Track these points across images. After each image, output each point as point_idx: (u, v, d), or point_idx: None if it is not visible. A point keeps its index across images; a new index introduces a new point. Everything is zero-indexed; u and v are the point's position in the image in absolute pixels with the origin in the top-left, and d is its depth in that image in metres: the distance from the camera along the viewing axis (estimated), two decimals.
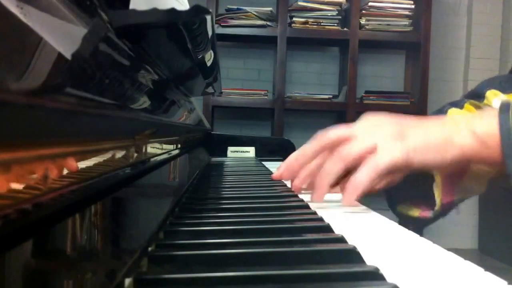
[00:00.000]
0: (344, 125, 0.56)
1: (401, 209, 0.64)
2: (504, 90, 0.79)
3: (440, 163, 0.50)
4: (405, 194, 0.64)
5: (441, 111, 0.83)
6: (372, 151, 0.50)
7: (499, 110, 0.49)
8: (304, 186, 0.60)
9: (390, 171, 0.50)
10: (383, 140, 0.50)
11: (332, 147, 0.54)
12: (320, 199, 0.53)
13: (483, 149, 0.49)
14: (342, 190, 0.52)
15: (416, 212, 0.63)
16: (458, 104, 0.83)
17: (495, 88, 0.80)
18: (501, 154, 0.48)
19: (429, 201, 0.61)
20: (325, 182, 0.52)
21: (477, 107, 0.81)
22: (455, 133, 0.50)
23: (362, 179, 0.49)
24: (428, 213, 0.61)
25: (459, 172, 0.58)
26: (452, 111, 0.82)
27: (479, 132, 0.49)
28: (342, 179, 0.55)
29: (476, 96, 0.82)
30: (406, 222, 0.62)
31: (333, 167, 0.52)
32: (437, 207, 0.60)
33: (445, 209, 0.62)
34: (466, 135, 0.50)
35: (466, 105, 0.82)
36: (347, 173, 0.53)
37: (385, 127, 0.52)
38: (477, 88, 0.83)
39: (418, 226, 0.56)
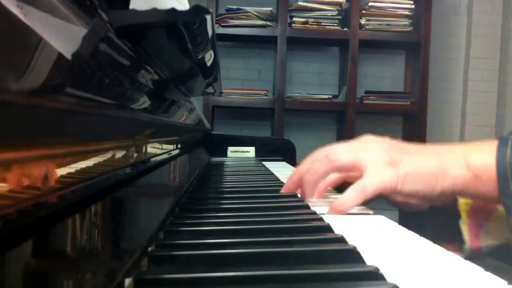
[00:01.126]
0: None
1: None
2: None
3: (430, 193, 0.50)
4: (436, 231, 0.62)
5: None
6: (360, 167, 0.51)
7: (498, 144, 0.48)
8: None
9: (378, 194, 0.50)
10: (375, 163, 0.50)
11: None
12: (307, 196, 0.54)
13: (476, 183, 0.48)
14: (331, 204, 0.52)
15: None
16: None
17: None
18: (497, 190, 0.46)
19: (457, 240, 0.58)
20: (311, 179, 0.54)
21: None
22: (450, 164, 0.49)
23: (348, 199, 0.49)
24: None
25: (484, 214, 0.56)
26: None
27: (474, 164, 0.48)
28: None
29: None
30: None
31: (320, 167, 0.53)
32: (466, 247, 0.56)
33: (474, 255, 0.58)
34: (460, 166, 0.49)
35: None
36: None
37: (379, 151, 0.52)
38: None
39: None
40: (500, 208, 0.53)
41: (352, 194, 0.49)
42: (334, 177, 0.63)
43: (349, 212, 0.50)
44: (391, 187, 0.49)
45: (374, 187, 0.49)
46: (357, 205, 0.50)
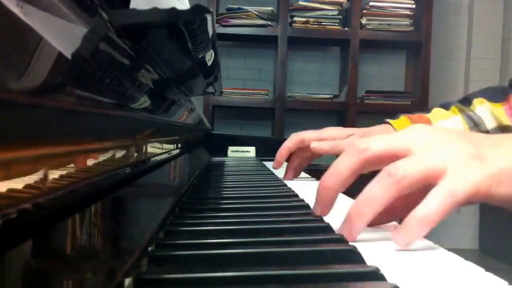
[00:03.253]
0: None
1: None
2: (492, 100, 0.81)
3: None
4: None
5: (428, 109, 0.86)
6: (439, 175, 0.35)
7: None
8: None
9: (467, 203, 0.36)
10: (456, 160, 0.35)
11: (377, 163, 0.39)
12: (325, 212, 0.41)
13: None
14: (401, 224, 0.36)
15: None
16: (446, 106, 0.86)
17: (486, 97, 0.81)
18: None
19: None
20: (368, 212, 0.36)
21: (461, 111, 0.83)
22: None
23: (435, 211, 0.33)
24: None
25: None
26: (436, 110, 0.84)
27: None
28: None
29: (466, 101, 0.84)
30: None
31: (382, 193, 0.36)
32: None
33: None
34: None
35: (453, 107, 0.84)
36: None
37: (454, 143, 0.37)
38: (469, 94, 0.85)
39: None
40: None
41: (439, 202, 0.34)
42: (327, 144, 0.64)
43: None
44: (485, 190, 0.35)
45: (466, 192, 0.34)
46: (444, 218, 0.34)
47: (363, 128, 0.83)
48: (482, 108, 0.81)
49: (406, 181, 0.35)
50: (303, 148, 0.83)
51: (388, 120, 0.84)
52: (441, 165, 0.35)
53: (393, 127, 0.82)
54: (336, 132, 0.80)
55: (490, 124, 0.80)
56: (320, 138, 0.79)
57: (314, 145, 0.78)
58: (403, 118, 0.83)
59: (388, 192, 0.36)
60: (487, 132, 0.79)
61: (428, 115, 0.84)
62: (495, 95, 0.82)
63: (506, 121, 0.79)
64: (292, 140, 0.84)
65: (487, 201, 0.36)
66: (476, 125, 0.81)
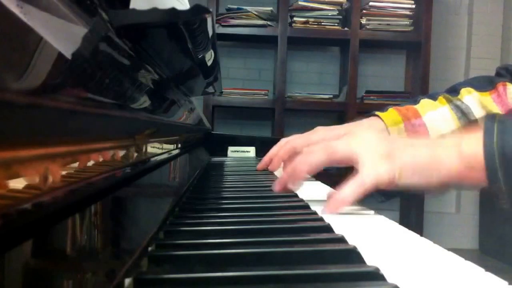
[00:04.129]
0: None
1: None
2: (480, 89, 0.81)
3: (426, 185, 0.50)
4: None
5: (416, 101, 0.85)
6: (356, 160, 0.52)
7: (484, 132, 0.48)
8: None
9: (375, 189, 0.51)
10: (371, 156, 0.51)
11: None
12: (295, 184, 0.56)
13: (470, 172, 0.48)
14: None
15: None
16: (433, 96, 0.85)
17: (472, 86, 0.81)
18: (487, 178, 0.47)
19: None
20: (304, 169, 0.55)
21: (449, 101, 0.82)
22: (443, 156, 0.50)
23: (348, 194, 0.49)
24: None
25: None
26: (424, 101, 0.84)
27: (466, 153, 0.49)
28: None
29: (453, 91, 0.84)
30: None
31: (316, 159, 0.54)
32: None
33: None
34: (454, 157, 0.49)
35: (440, 97, 0.84)
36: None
37: (375, 144, 0.52)
38: (456, 84, 0.85)
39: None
40: None
41: (352, 189, 0.50)
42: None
43: (349, 212, 0.50)
44: (388, 180, 0.50)
45: (372, 181, 0.49)
46: (356, 200, 0.50)
47: (351, 124, 0.82)
48: (470, 98, 0.81)
49: (335, 156, 0.53)
50: (296, 155, 0.83)
51: (376, 112, 0.83)
52: (361, 156, 0.51)
53: (381, 119, 0.81)
54: (326, 134, 0.79)
55: (478, 113, 0.80)
56: (311, 143, 0.78)
57: None
58: (391, 110, 0.83)
59: (320, 160, 0.54)
60: (476, 121, 0.79)
61: (416, 106, 0.84)
62: (482, 84, 0.82)
63: (495, 109, 0.79)
64: (284, 149, 0.82)
65: (393, 187, 0.51)
66: (464, 114, 0.81)
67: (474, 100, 0.81)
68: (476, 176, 0.48)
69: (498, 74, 0.86)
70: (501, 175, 0.46)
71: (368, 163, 0.51)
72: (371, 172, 0.50)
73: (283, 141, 0.86)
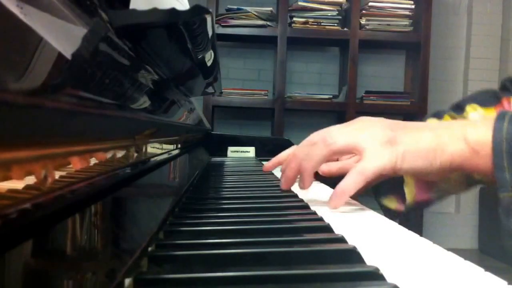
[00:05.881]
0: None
1: (384, 200, 0.66)
2: (485, 105, 0.81)
3: (429, 170, 0.50)
4: (388, 186, 0.65)
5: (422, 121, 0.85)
6: (358, 149, 0.51)
7: (495, 119, 0.48)
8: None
9: (378, 176, 0.50)
10: (372, 144, 0.50)
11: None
12: (306, 185, 0.54)
13: (474, 158, 0.48)
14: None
15: (393, 205, 0.64)
16: (439, 115, 0.85)
17: (477, 102, 0.81)
18: (492, 164, 0.47)
19: (403, 196, 0.63)
20: (309, 166, 0.54)
21: (454, 119, 0.82)
22: (448, 139, 0.49)
23: (349, 185, 0.49)
24: (401, 207, 0.64)
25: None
26: (431, 121, 0.84)
27: (472, 140, 0.48)
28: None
29: (458, 108, 0.84)
30: (387, 213, 0.64)
31: (317, 152, 0.53)
32: (408, 203, 0.62)
33: (421, 206, 0.64)
34: (458, 142, 0.49)
35: (446, 116, 0.84)
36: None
37: (376, 131, 0.51)
38: (460, 101, 0.85)
39: (392, 217, 0.56)
40: (452, 175, 0.57)
41: (352, 178, 0.49)
42: (335, 166, 0.64)
43: (350, 211, 0.50)
44: (391, 167, 0.49)
45: (374, 169, 0.49)
46: (359, 189, 0.50)
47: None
48: (476, 115, 0.81)
49: (335, 146, 0.52)
50: None
51: None
52: (361, 145, 0.50)
53: None
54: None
55: None
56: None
57: (324, 169, 0.76)
58: None
59: (322, 153, 0.52)
60: None
61: None
62: (486, 99, 0.82)
63: None
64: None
65: (395, 174, 0.51)
66: None
67: (479, 118, 0.81)
68: (479, 163, 0.48)
69: (504, 86, 0.85)
70: (506, 163, 0.46)
71: (369, 150, 0.50)
72: (372, 159, 0.49)
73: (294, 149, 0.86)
